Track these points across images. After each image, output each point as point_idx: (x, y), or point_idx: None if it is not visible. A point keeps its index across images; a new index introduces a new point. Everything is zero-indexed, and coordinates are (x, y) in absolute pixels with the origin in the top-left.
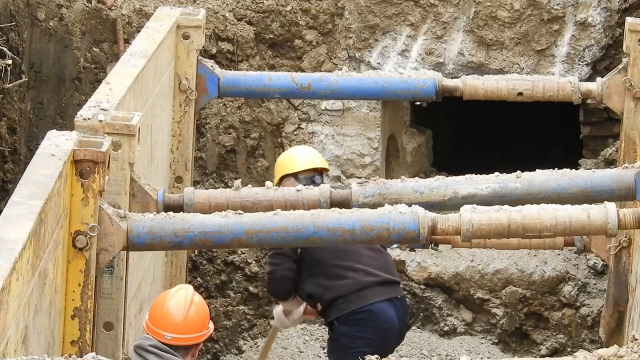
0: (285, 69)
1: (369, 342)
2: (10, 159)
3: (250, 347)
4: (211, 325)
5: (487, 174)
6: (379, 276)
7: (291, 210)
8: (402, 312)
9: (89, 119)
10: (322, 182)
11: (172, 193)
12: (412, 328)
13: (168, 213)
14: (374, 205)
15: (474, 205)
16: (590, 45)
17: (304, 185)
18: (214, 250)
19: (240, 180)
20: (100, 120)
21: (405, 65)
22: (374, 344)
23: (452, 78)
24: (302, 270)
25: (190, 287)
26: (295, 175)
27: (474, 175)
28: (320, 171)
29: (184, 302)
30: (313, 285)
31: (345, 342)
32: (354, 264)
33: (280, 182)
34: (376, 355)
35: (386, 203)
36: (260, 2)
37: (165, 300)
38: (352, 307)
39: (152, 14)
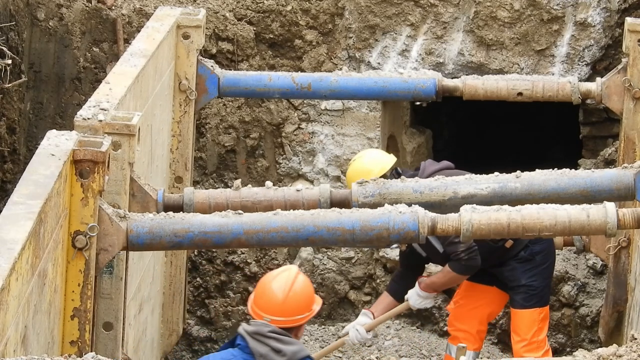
0: (285, 69)
1: (554, 259)
2: (9, 159)
3: None
4: (315, 307)
5: (487, 174)
6: None
7: (291, 210)
8: None
9: (88, 118)
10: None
11: (172, 193)
12: (412, 328)
13: (168, 213)
14: (374, 205)
15: (474, 205)
16: (590, 45)
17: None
18: (214, 250)
19: (240, 180)
20: (100, 120)
21: (405, 65)
22: (554, 262)
23: (452, 78)
24: None
25: (294, 268)
26: (383, 175)
27: (473, 175)
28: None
29: (285, 284)
30: None
31: (540, 259)
32: None
33: None
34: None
35: (386, 203)
36: (260, 2)
37: (268, 282)
38: None
39: (152, 14)
